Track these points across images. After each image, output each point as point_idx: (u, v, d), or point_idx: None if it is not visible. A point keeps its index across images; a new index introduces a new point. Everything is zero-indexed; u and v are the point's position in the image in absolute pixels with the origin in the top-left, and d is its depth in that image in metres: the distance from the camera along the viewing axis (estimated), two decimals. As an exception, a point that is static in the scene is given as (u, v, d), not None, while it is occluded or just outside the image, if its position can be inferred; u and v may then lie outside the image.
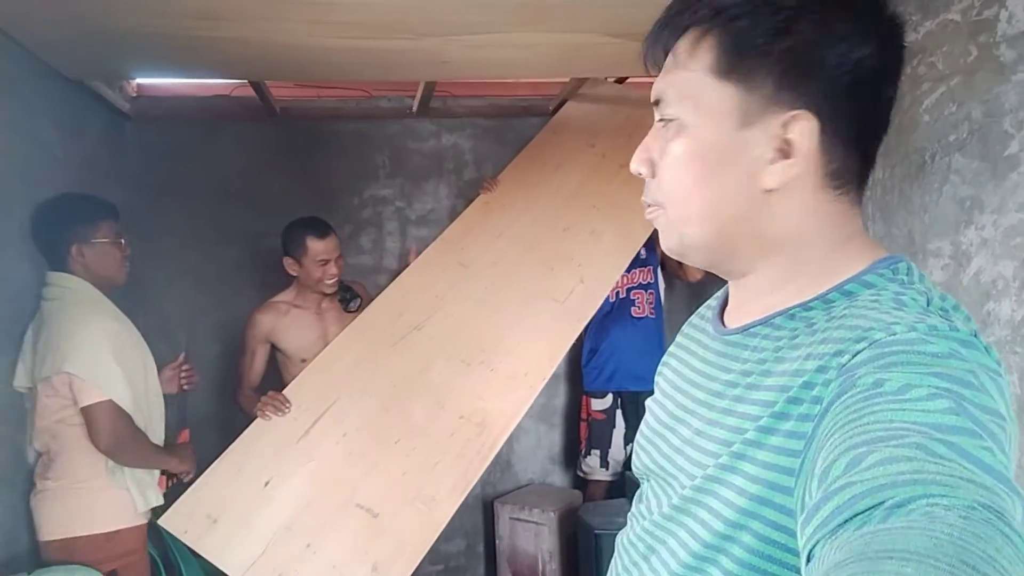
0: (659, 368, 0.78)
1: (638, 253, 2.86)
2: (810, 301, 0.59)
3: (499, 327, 2.45)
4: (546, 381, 2.33)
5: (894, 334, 0.49)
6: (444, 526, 2.05)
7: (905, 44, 0.59)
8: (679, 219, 0.63)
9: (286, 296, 2.59)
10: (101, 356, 1.92)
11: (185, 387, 2.44)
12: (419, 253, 2.81)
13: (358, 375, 2.36)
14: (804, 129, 0.55)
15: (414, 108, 3.23)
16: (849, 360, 0.50)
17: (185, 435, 2.37)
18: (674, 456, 0.67)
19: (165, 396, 2.29)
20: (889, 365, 0.46)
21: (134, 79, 3.13)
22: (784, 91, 0.55)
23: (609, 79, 3.33)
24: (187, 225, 3.16)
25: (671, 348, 0.78)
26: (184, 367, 2.44)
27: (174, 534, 2.00)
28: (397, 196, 3.41)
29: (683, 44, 0.60)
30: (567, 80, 3.03)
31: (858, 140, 0.59)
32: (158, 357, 2.26)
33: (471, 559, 3.39)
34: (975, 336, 0.51)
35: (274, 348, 2.59)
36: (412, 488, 2.11)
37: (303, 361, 2.52)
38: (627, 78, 3.25)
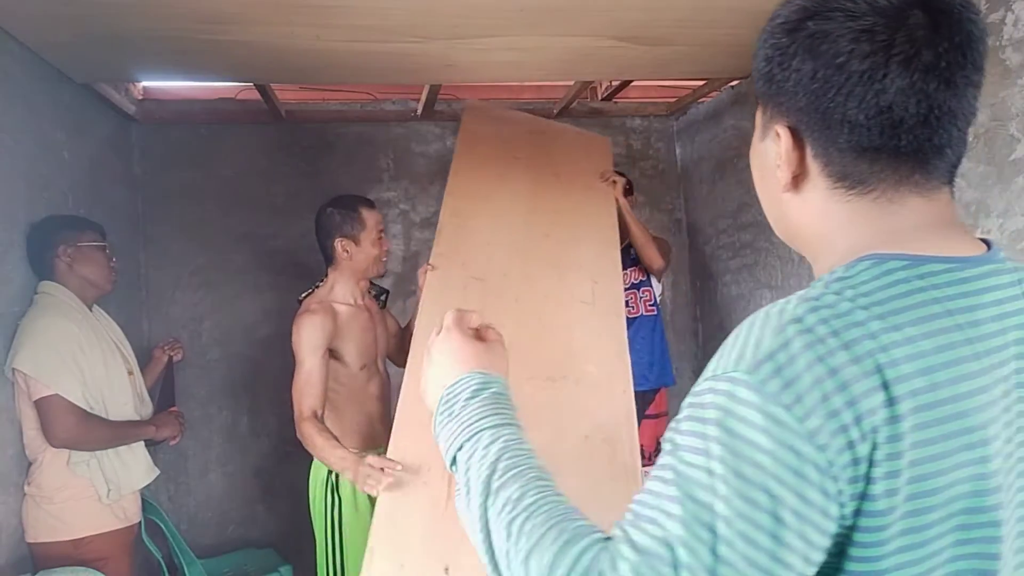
0: None
1: (629, 253, 2.86)
2: None
3: (553, 337, 2.19)
4: (632, 382, 2.14)
5: (705, 378, 0.58)
6: None
7: (885, 40, 0.58)
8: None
9: (325, 294, 2.20)
10: (48, 353, 1.95)
11: (171, 354, 2.65)
12: (431, 268, 2.30)
13: None
14: (782, 138, 0.67)
15: (419, 111, 3.24)
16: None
17: (173, 411, 2.44)
18: None
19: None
20: (679, 420, 0.58)
21: (140, 82, 3.14)
22: (774, 111, 0.68)
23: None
24: (192, 228, 3.17)
25: None
26: (170, 339, 2.72)
27: None
28: (401, 199, 3.41)
29: None
30: (571, 83, 3.03)
31: (851, 144, 0.62)
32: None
33: (474, 562, 3.38)
34: (755, 367, 0.55)
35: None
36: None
37: (362, 368, 2.21)
38: (630, 82, 3.25)
